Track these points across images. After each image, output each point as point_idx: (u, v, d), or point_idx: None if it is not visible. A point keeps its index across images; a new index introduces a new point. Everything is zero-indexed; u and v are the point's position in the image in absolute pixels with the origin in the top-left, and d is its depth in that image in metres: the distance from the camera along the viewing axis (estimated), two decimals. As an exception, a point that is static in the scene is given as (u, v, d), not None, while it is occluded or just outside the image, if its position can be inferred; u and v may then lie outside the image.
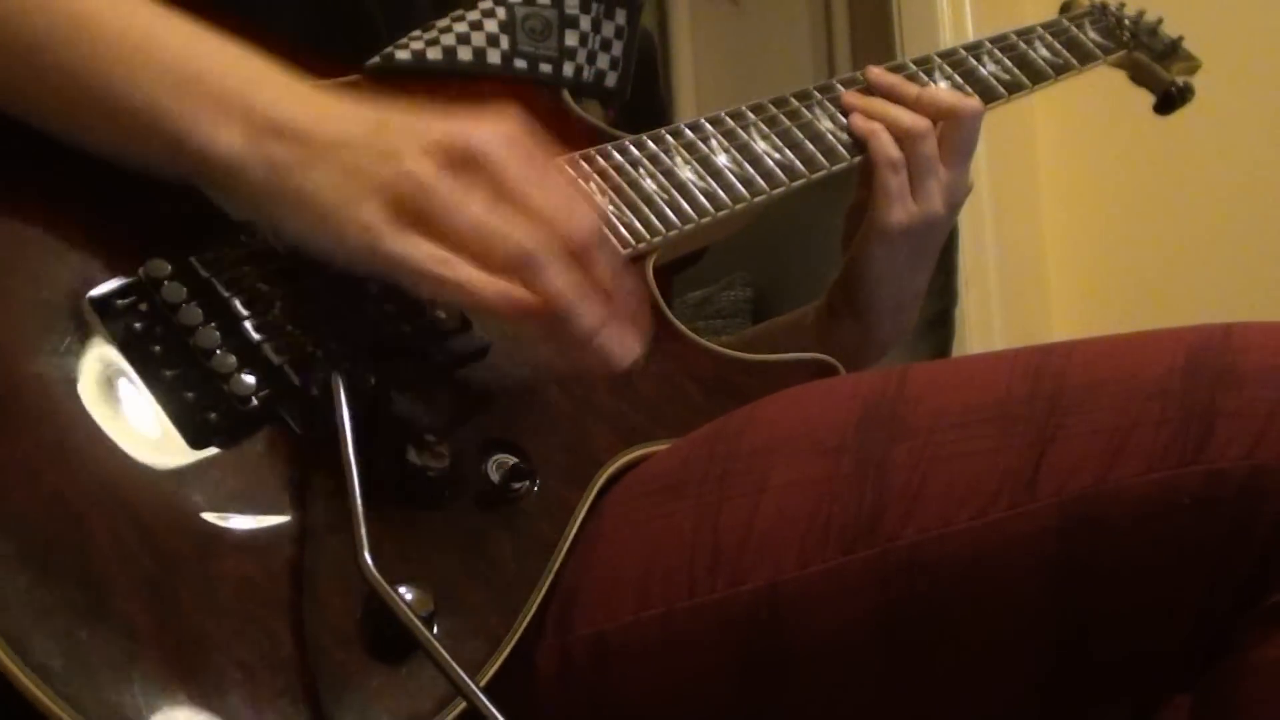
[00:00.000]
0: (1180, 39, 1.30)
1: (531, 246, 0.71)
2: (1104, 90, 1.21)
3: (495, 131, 0.74)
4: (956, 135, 1.04)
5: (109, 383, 0.73)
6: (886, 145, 1.02)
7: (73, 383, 0.72)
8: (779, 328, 1.13)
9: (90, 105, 0.77)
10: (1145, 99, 1.30)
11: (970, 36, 2.40)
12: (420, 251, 0.72)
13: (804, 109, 1.03)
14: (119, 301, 0.75)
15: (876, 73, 1.08)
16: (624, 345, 0.75)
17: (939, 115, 1.04)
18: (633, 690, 0.79)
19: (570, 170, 0.81)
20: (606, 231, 0.74)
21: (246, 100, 0.76)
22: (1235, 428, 0.69)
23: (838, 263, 1.07)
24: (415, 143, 0.73)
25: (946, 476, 0.74)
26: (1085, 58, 1.20)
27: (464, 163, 0.72)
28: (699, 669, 0.78)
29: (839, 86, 1.06)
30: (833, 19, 2.74)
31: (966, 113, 1.05)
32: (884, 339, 1.07)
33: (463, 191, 0.72)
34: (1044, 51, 1.17)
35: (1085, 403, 0.73)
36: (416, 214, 0.72)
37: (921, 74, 1.09)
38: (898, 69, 1.10)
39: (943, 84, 1.09)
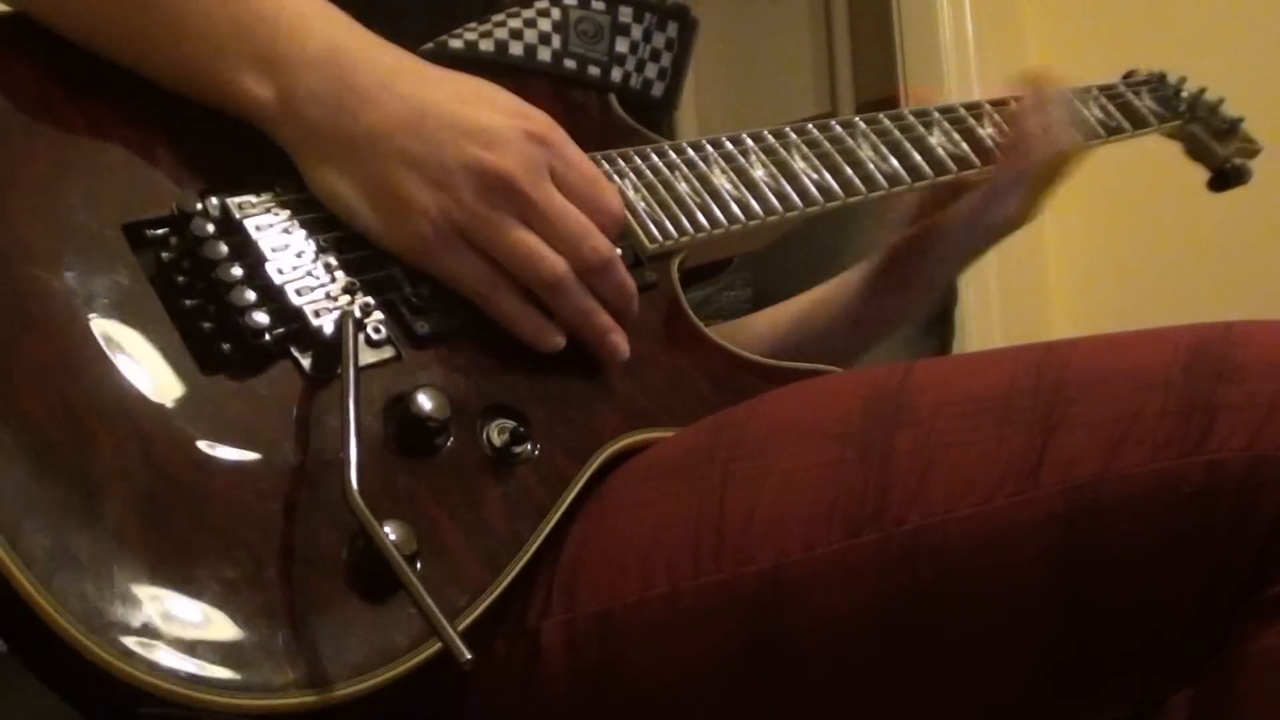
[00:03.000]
0: (1241, 120, 1.30)
1: (554, 277, 0.82)
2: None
3: (524, 154, 0.81)
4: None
5: (129, 306, 0.75)
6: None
7: (94, 301, 0.74)
8: (819, 302, 1.15)
9: (158, 32, 0.81)
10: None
11: (970, 37, 2.31)
12: (472, 271, 0.81)
13: (846, 135, 1.04)
14: (149, 232, 0.77)
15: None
16: (617, 351, 0.85)
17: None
18: (637, 667, 0.79)
19: (594, 169, 0.85)
20: (615, 256, 0.84)
21: (288, 57, 0.80)
22: (1236, 420, 0.70)
23: (838, 262, 1.09)
24: (455, 157, 0.80)
25: (950, 463, 0.74)
26: (1139, 123, 1.20)
27: (495, 189, 0.80)
28: (703, 648, 0.78)
29: (884, 119, 1.07)
30: (832, 18, 2.74)
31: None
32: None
33: (500, 218, 0.81)
34: (1096, 111, 1.18)
35: (1088, 394, 0.73)
36: (463, 232, 0.81)
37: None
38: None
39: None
